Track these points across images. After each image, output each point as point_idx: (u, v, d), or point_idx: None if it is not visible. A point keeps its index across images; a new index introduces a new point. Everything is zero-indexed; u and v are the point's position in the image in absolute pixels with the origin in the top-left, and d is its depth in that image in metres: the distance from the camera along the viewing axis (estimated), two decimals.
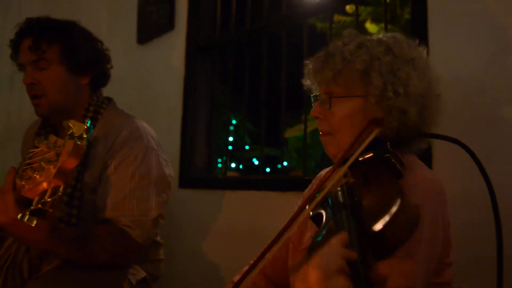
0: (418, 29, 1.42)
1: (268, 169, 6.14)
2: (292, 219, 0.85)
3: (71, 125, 0.88)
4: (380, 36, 1.01)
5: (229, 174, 2.35)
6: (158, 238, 1.61)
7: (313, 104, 1.05)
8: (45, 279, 1.23)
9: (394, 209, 0.73)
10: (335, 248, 0.70)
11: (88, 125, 0.90)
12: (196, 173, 2.29)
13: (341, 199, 0.81)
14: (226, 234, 2.02)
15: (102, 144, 1.37)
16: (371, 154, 0.86)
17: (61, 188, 0.86)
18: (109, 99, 1.59)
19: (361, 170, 0.86)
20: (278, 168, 5.97)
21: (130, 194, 1.32)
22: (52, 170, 0.84)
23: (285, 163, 5.08)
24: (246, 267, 0.88)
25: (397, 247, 0.75)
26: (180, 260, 2.22)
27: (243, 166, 2.66)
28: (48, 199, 0.83)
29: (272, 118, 2.17)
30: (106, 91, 2.97)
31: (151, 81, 2.59)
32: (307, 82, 1.07)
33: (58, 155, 0.86)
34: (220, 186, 2.11)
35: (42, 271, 1.27)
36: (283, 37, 2.01)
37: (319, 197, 0.84)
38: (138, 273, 1.44)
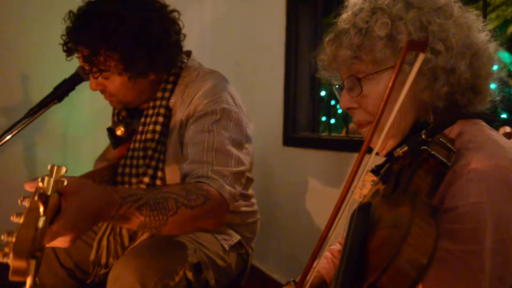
0: None
1: None
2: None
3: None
4: None
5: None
6: (256, 206, 1.59)
7: (338, 96, 0.90)
8: (139, 248, 1.22)
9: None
10: None
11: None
12: (301, 130, 2.21)
13: (353, 220, 0.65)
14: (330, 195, 1.93)
15: (182, 109, 1.34)
16: (406, 148, 0.71)
17: None
18: (188, 54, 1.46)
19: (395, 170, 0.71)
20: None
21: (208, 147, 1.24)
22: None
23: None
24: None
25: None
26: (284, 218, 2.23)
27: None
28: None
29: None
30: (215, 45, 2.96)
31: (254, 34, 2.52)
32: (324, 73, 0.92)
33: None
34: (325, 146, 2.00)
35: (137, 240, 1.31)
36: None
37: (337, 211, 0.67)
38: (231, 238, 1.44)
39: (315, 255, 0.69)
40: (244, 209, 1.51)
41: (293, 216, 2.15)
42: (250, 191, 1.56)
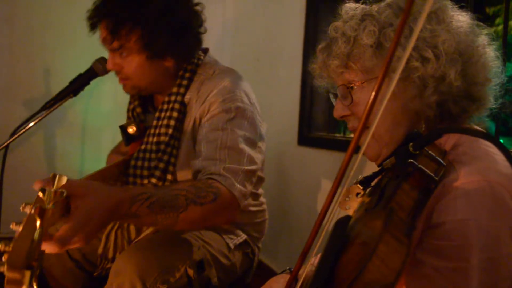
0: None
1: None
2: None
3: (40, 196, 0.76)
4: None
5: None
6: (264, 206, 1.59)
7: (334, 104, 0.89)
8: (142, 243, 1.24)
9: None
10: None
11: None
12: (317, 130, 2.19)
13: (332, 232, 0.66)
14: None
15: (197, 106, 1.35)
16: (394, 160, 0.70)
17: None
18: (205, 51, 1.47)
19: (382, 182, 0.69)
20: None
21: (222, 145, 1.24)
22: None
23: None
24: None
25: None
26: (296, 217, 2.21)
27: None
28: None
29: None
30: (237, 42, 2.95)
31: (275, 31, 2.51)
32: (319, 81, 0.92)
33: None
34: (339, 147, 1.96)
35: (142, 234, 1.33)
36: None
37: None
38: (237, 237, 1.44)
39: (308, 246, 0.69)
40: (252, 208, 1.50)
41: (305, 215, 2.13)
42: (260, 190, 1.56)
